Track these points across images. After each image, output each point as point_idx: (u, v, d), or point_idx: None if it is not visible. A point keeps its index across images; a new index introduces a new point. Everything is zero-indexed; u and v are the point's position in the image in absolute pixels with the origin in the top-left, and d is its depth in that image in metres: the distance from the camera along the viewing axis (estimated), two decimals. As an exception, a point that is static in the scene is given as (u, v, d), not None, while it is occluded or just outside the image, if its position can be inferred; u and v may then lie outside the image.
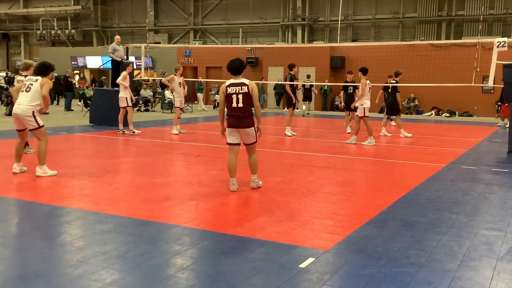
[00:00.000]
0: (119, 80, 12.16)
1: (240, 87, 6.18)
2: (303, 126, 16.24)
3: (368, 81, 11.68)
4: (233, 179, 6.38)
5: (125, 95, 12.24)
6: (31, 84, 6.83)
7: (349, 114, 14.13)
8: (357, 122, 11.79)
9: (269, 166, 8.27)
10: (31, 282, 3.41)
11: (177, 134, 12.71)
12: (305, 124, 17.55)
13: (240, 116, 6.19)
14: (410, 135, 13.44)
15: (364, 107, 11.46)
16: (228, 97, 6.22)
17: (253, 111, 6.34)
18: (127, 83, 12.22)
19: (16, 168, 7.13)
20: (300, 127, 14.59)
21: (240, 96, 6.15)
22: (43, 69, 6.97)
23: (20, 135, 7.11)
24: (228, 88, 6.22)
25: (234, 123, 6.22)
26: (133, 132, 12.37)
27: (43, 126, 6.93)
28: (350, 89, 13.83)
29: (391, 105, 13.62)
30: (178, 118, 13.06)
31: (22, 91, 6.84)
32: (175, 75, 12.98)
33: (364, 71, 11.68)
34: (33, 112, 6.78)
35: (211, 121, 17.72)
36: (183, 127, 15.07)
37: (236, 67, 6.28)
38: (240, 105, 6.15)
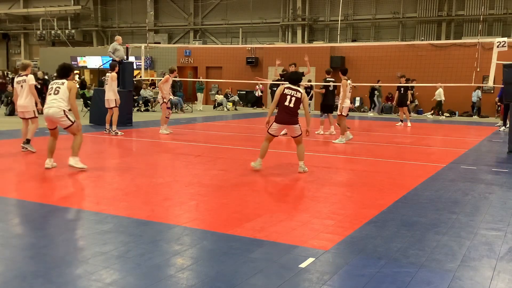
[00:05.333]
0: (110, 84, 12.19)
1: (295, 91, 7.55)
2: (303, 126, 16.23)
3: (349, 81, 11.75)
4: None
5: (114, 96, 12.24)
6: (58, 87, 7.26)
7: (327, 115, 13.81)
8: (341, 120, 11.73)
9: (269, 166, 8.27)
10: (31, 282, 3.41)
11: (166, 134, 12.68)
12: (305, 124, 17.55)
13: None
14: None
15: (343, 106, 11.55)
16: (282, 97, 7.52)
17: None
18: (115, 85, 12.21)
19: (48, 164, 7.44)
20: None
21: (293, 99, 7.49)
22: (65, 71, 7.44)
23: (52, 133, 7.55)
24: (285, 89, 7.56)
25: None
26: (116, 132, 12.26)
27: (75, 121, 7.35)
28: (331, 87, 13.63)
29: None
30: (167, 117, 13.01)
31: (50, 94, 7.27)
32: (170, 75, 12.98)
33: (344, 71, 11.83)
34: (64, 111, 7.21)
35: (210, 121, 17.72)
36: (184, 127, 15.08)
37: (295, 79, 7.71)
38: (292, 105, 7.50)
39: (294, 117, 7.55)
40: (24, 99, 8.88)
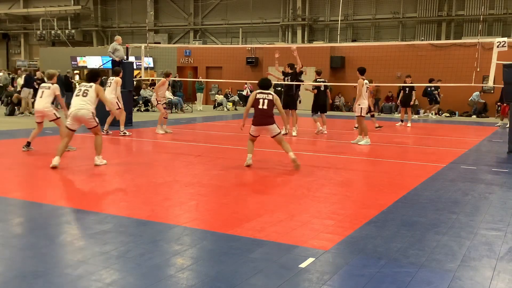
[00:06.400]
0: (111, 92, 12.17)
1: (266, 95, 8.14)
2: (303, 126, 16.24)
3: (366, 81, 11.50)
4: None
5: (114, 99, 12.22)
6: (87, 90, 7.82)
7: (320, 115, 13.69)
8: (360, 121, 11.64)
9: (269, 166, 8.27)
10: (31, 282, 3.41)
11: (162, 133, 12.68)
12: (305, 124, 17.55)
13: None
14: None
15: (361, 107, 11.32)
16: (256, 101, 8.08)
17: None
18: (119, 91, 12.18)
19: (57, 161, 7.61)
20: (300, 127, 14.56)
21: (266, 101, 8.03)
22: (93, 76, 8.07)
23: (71, 134, 7.95)
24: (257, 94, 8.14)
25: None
26: (108, 132, 12.32)
27: (98, 123, 7.93)
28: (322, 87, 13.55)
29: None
30: (165, 118, 12.99)
31: (78, 96, 7.78)
32: (166, 79, 13.05)
33: (362, 71, 11.58)
34: (92, 113, 7.74)
35: (210, 121, 17.72)
36: (184, 127, 15.10)
37: (265, 85, 8.27)
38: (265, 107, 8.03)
39: (269, 118, 8.04)
40: (44, 105, 9.03)
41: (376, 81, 21.73)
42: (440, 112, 22.61)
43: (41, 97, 9.05)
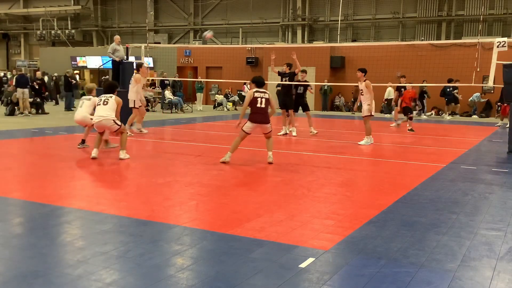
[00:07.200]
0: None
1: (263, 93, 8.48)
2: (304, 127, 16.24)
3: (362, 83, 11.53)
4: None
5: (134, 97, 12.21)
6: (107, 99, 8.67)
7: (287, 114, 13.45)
8: (367, 121, 11.60)
9: (269, 166, 8.27)
10: (31, 282, 3.40)
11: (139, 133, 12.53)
12: (305, 124, 17.55)
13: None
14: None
15: (369, 107, 11.36)
16: (254, 100, 8.34)
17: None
18: (139, 87, 12.13)
19: (94, 153, 8.52)
20: (300, 128, 14.58)
21: (263, 100, 8.38)
22: (111, 88, 8.99)
23: (101, 135, 8.86)
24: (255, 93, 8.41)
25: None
26: (141, 131, 12.55)
27: (121, 124, 8.77)
28: (300, 89, 13.30)
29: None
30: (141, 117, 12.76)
31: (99, 105, 8.67)
32: (137, 73, 12.57)
33: (366, 71, 11.61)
34: (114, 120, 8.55)
35: (210, 121, 17.72)
36: (183, 127, 15.10)
37: (262, 82, 8.68)
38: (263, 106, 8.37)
39: (267, 116, 8.46)
40: (83, 114, 9.53)
41: (376, 81, 21.75)
42: (440, 112, 22.59)
43: (81, 107, 9.63)
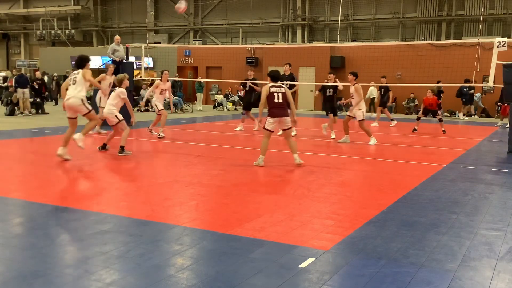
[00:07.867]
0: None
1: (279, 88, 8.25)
2: (304, 126, 16.25)
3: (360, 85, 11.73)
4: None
5: (157, 101, 12.14)
6: (76, 77, 8.08)
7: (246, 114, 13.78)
8: (363, 124, 11.67)
9: (269, 166, 8.27)
10: (31, 282, 3.41)
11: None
12: (305, 124, 17.56)
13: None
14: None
15: (362, 111, 11.50)
16: (270, 95, 8.14)
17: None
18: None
19: (61, 151, 8.05)
20: (300, 128, 14.58)
21: (280, 95, 8.15)
22: (79, 62, 8.23)
23: (70, 123, 8.30)
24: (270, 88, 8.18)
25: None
26: (158, 135, 12.12)
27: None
28: (329, 91, 13.38)
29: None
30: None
31: (70, 84, 8.12)
32: (107, 74, 12.30)
33: (357, 75, 11.78)
34: (82, 100, 8.03)
35: (210, 121, 17.72)
36: (183, 127, 15.11)
37: (277, 76, 8.35)
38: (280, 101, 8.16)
39: (285, 110, 8.20)
40: (108, 108, 9.09)
41: (376, 81, 21.76)
42: (456, 112, 22.53)
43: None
